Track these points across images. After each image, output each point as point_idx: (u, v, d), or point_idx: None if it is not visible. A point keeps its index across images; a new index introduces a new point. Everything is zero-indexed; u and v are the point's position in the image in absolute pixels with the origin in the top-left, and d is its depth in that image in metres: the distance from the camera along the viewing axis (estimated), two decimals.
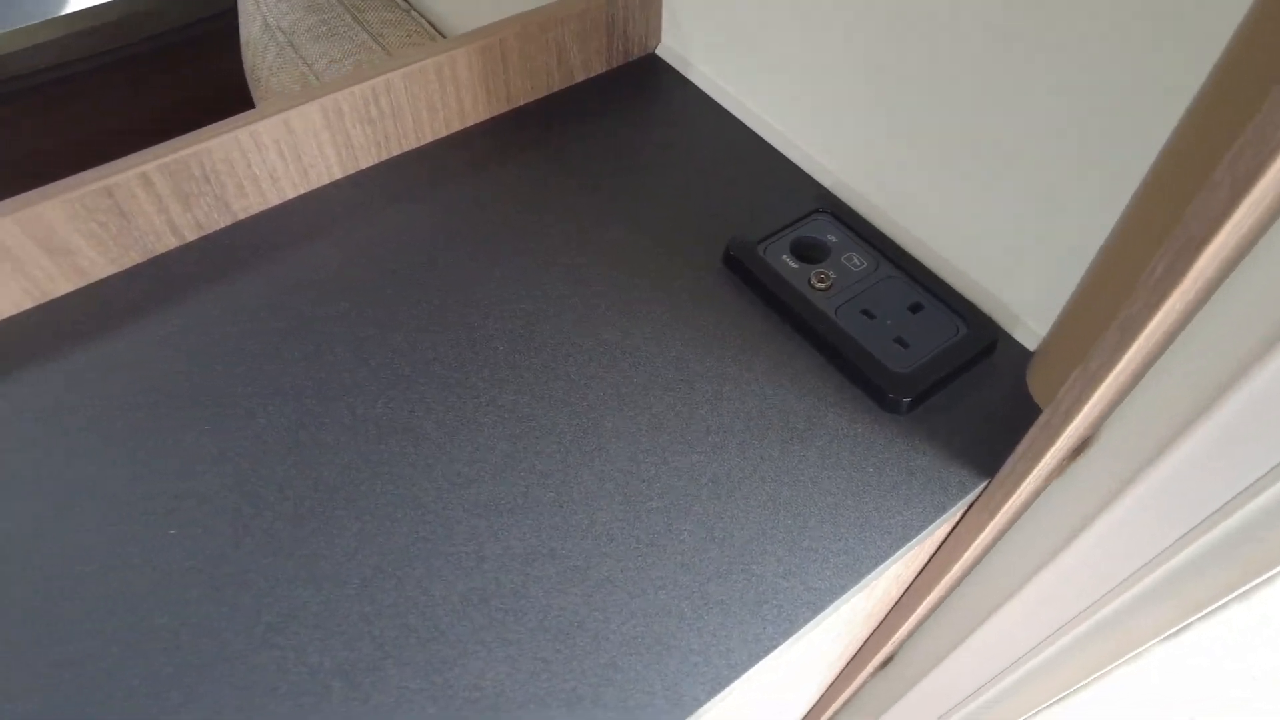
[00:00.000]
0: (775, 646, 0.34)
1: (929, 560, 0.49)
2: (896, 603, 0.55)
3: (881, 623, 0.58)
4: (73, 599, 0.34)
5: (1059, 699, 0.50)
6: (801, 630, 0.35)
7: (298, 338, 0.43)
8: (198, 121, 0.44)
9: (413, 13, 0.87)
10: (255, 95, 0.97)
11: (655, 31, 0.58)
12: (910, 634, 0.60)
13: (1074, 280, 0.39)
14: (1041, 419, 0.35)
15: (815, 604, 0.35)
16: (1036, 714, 0.53)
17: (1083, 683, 0.47)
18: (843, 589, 0.36)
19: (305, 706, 0.32)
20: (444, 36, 0.85)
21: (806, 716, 0.77)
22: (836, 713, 0.75)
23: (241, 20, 0.97)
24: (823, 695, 0.73)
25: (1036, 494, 0.41)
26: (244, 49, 0.97)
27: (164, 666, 0.33)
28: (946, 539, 0.46)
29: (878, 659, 0.63)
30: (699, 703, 0.33)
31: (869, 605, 0.49)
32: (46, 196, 0.41)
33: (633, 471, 0.39)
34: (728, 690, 0.34)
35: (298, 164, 0.48)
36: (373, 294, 0.45)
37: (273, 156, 0.46)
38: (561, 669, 0.33)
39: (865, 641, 0.62)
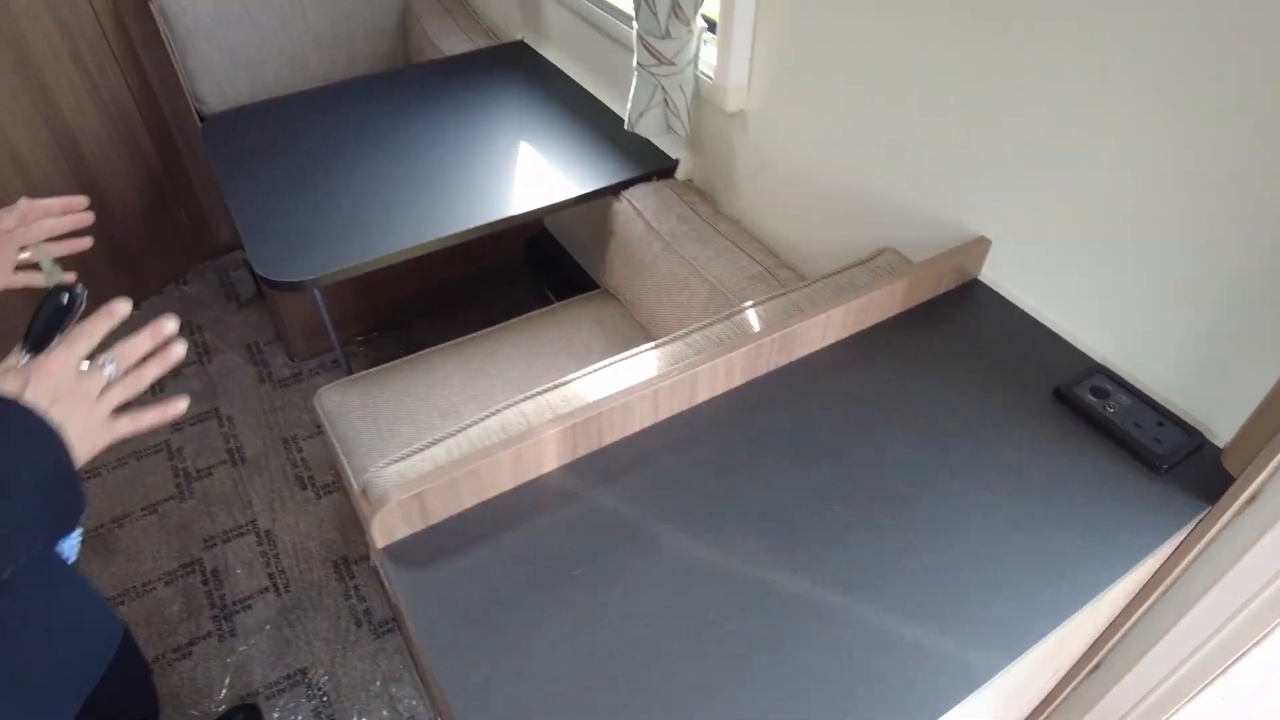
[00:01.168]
0: (1068, 615, 0.72)
1: (1145, 581, 0.85)
2: (1113, 619, 0.91)
3: (1101, 633, 0.94)
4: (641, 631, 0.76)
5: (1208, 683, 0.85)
6: (1073, 613, 0.73)
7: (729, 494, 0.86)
8: None
9: (749, 232, 1.34)
10: (634, 273, 1.46)
11: (978, 268, 1.02)
12: (1118, 642, 0.95)
13: (1256, 400, 0.77)
14: (1236, 484, 0.73)
15: (1087, 591, 0.73)
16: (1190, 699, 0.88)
17: (1223, 667, 0.82)
18: (1108, 580, 0.74)
19: None
20: (745, 239, 1.31)
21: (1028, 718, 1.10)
22: (1050, 714, 1.08)
23: (619, 220, 1.44)
24: (1041, 700, 1.07)
25: (1221, 531, 0.78)
26: (621, 242, 1.46)
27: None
28: (1160, 566, 0.83)
29: (1090, 664, 0.98)
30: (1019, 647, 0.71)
31: (1096, 616, 0.85)
32: (540, 432, 0.86)
33: (1003, 532, 0.79)
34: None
35: (689, 392, 0.91)
36: (792, 464, 0.88)
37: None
38: (915, 611, 0.72)
39: (1086, 648, 0.97)
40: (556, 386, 0.91)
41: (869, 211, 1.14)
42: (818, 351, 0.91)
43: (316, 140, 1.54)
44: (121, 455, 1.88)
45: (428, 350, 1.44)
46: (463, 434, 0.86)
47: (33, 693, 0.73)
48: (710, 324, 1.00)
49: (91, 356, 0.60)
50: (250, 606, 1.62)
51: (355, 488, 1.24)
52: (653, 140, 1.51)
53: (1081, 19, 0.79)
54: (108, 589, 1.65)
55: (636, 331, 1.46)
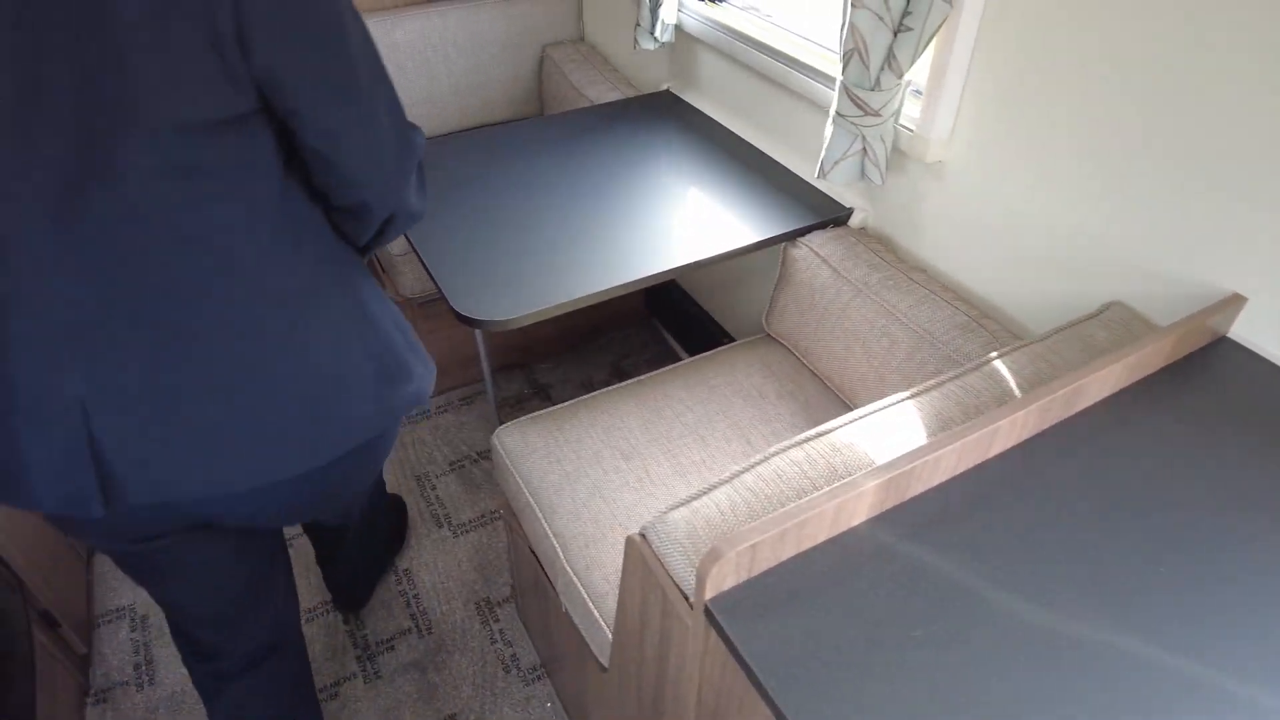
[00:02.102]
0: None
1: None
2: None
3: None
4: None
5: None
6: None
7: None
8: None
9: (940, 279, 1.33)
10: (816, 320, 1.45)
11: (1229, 326, 1.00)
12: None
13: None
14: None
15: None
16: None
17: None
18: None
19: None
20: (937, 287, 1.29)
21: None
22: None
23: (797, 267, 1.45)
24: None
25: None
26: (799, 289, 1.45)
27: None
28: None
29: None
30: None
31: None
32: (861, 484, 0.84)
33: None
34: None
35: (987, 444, 0.89)
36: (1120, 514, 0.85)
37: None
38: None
39: None
40: (820, 435, 0.89)
41: (1088, 263, 1.12)
42: (1094, 405, 0.89)
43: (480, 182, 1.55)
44: None
45: (600, 392, 1.43)
46: (738, 479, 0.84)
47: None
48: (960, 374, 0.98)
49: None
50: (393, 648, 1.60)
51: (546, 528, 1.23)
52: (820, 186, 1.51)
53: None
54: None
55: (808, 378, 1.44)
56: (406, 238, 1.42)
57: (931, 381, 0.98)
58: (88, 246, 0.70)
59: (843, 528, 0.75)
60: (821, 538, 0.74)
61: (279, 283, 0.78)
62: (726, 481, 0.84)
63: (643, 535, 0.83)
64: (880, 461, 0.86)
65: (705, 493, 0.83)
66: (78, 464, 0.75)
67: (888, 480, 0.74)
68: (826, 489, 0.73)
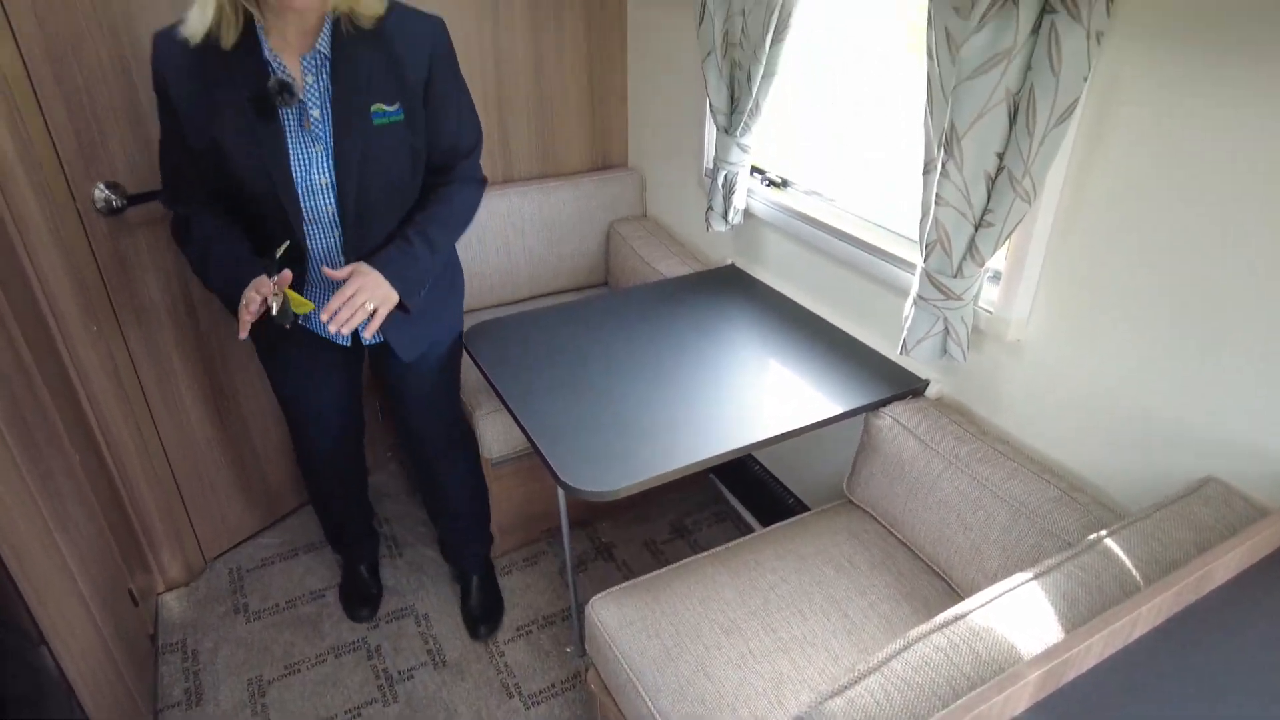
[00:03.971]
0: None
1: None
2: None
3: None
4: None
5: None
6: None
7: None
8: None
9: (1022, 454, 1.38)
10: (905, 490, 1.49)
11: None
12: None
13: None
14: None
15: None
16: None
17: None
18: None
19: None
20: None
21: None
22: None
23: (882, 437, 1.51)
24: None
25: None
26: (886, 459, 1.50)
27: None
28: None
29: None
30: None
31: None
32: (1025, 674, 0.87)
33: None
34: None
35: (1130, 629, 0.92)
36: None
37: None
38: None
39: None
40: (957, 619, 0.91)
41: (1176, 438, 1.17)
42: (1222, 586, 0.91)
43: (564, 354, 1.64)
44: (320, 651, 1.85)
45: (690, 560, 1.45)
46: (887, 667, 0.86)
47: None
48: (1075, 555, 1.01)
49: None
50: None
51: (651, 708, 1.21)
52: (894, 359, 1.59)
53: None
54: None
55: (896, 547, 1.46)
56: (508, 409, 1.48)
57: (1050, 561, 1.00)
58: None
59: (1007, 717, 0.76)
60: None
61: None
62: (875, 669, 0.85)
63: None
64: (1022, 647, 0.88)
65: (857, 681, 0.84)
66: None
67: (1047, 670, 0.76)
68: (994, 681, 0.75)
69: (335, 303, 1.25)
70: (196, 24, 1.16)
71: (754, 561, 1.43)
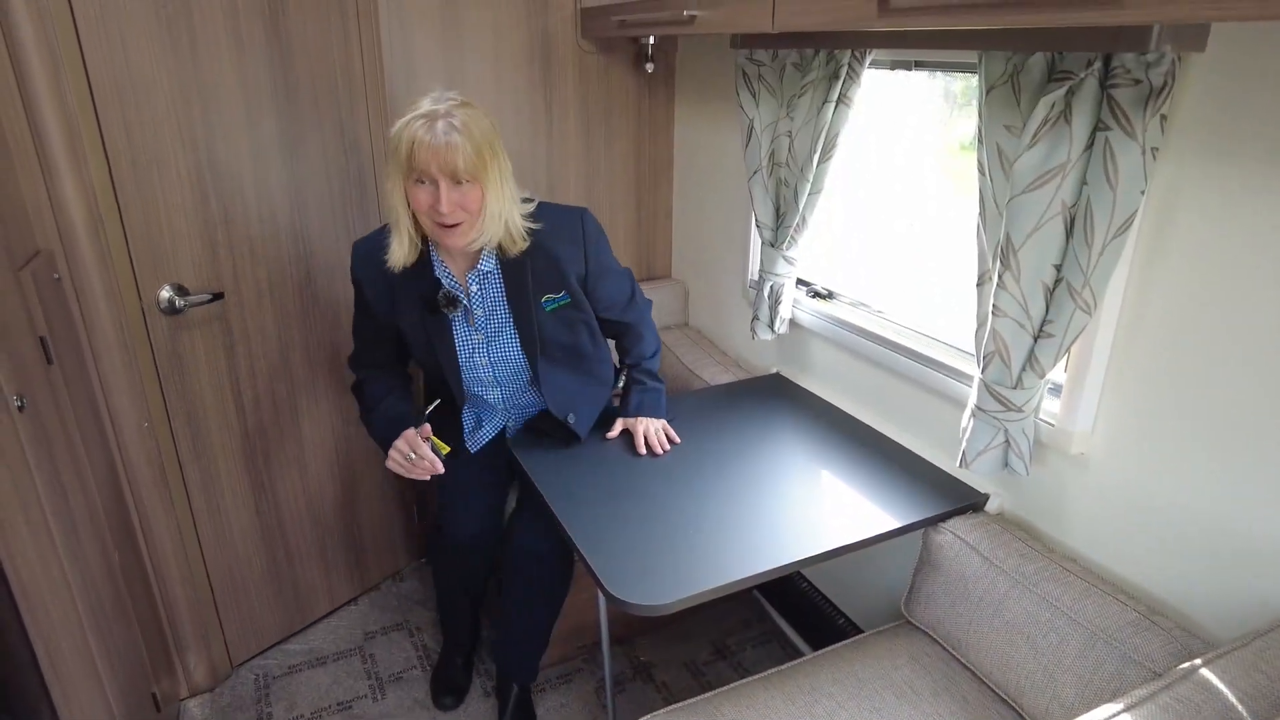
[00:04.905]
0: None
1: None
2: None
3: None
4: None
5: None
6: None
7: None
8: None
9: (1093, 573, 1.31)
10: (970, 610, 1.41)
11: None
12: None
13: None
14: None
15: None
16: None
17: None
18: None
19: None
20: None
21: None
22: None
23: (943, 554, 1.45)
24: None
25: None
26: (948, 577, 1.44)
27: None
28: None
29: None
30: None
31: None
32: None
33: None
34: None
35: None
36: None
37: None
38: None
39: None
40: None
41: (1266, 556, 1.10)
42: None
43: (608, 465, 1.62)
44: None
45: (739, 684, 1.37)
46: None
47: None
48: (1169, 685, 0.93)
49: None
50: None
51: None
52: (952, 472, 1.54)
53: None
54: None
55: (959, 672, 1.37)
56: (554, 514, 1.45)
57: (1140, 693, 0.93)
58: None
59: None
60: None
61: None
62: None
63: None
64: None
65: None
66: None
67: None
68: None
69: (641, 447, 1.65)
70: (398, 257, 1.48)
71: (809, 686, 1.35)
